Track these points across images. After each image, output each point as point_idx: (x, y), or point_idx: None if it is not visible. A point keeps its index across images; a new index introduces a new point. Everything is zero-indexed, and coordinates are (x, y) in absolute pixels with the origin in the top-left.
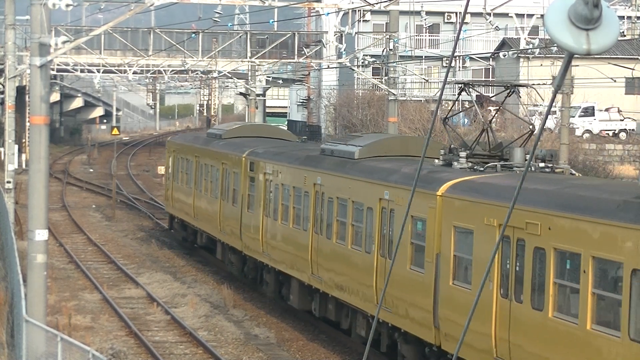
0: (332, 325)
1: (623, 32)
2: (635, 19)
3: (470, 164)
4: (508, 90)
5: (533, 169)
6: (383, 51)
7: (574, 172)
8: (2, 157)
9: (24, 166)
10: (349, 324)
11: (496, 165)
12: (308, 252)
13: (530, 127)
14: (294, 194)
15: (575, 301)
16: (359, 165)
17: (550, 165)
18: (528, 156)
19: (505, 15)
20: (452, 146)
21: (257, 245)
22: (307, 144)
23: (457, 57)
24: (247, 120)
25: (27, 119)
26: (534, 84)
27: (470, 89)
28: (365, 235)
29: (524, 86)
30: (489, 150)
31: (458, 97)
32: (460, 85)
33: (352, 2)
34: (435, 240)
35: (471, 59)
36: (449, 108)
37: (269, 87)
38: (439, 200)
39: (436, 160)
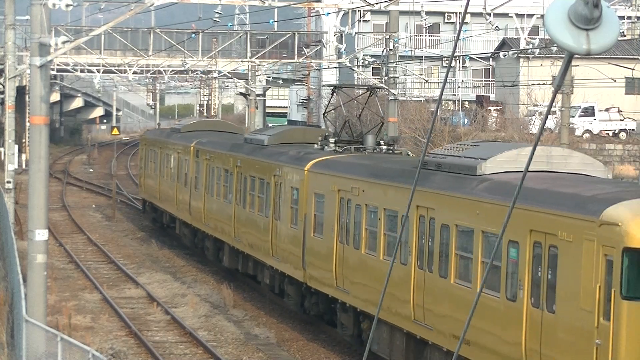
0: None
1: (623, 32)
2: (635, 19)
3: (336, 148)
4: (369, 92)
5: (380, 151)
6: (383, 51)
7: (410, 153)
8: (2, 157)
9: (24, 166)
10: (254, 273)
11: (351, 148)
12: (232, 219)
13: (381, 118)
14: (224, 174)
15: (374, 240)
16: (265, 150)
17: (391, 148)
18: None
19: (505, 15)
20: (326, 134)
21: (200, 217)
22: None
23: (457, 57)
24: (247, 121)
25: (27, 119)
26: (384, 86)
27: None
28: (265, 203)
29: (381, 88)
30: (352, 137)
31: (330, 98)
32: (332, 87)
33: (352, 2)
34: (303, 204)
35: (471, 59)
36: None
37: (269, 87)
38: (306, 174)
39: (315, 145)
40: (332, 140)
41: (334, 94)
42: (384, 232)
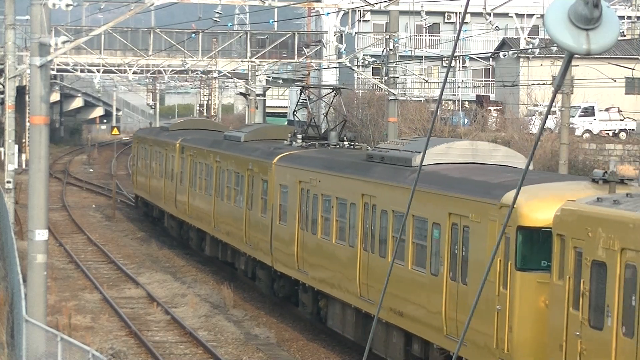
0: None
1: (623, 32)
2: (635, 19)
3: (302, 144)
4: (334, 92)
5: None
6: (383, 51)
7: (369, 147)
8: (2, 157)
9: (24, 166)
10: (232, 260)
11: (315, 144)
12: (212, 210)
13: (344, 116)
14: (205, 169)
15: (328, 225)
16: (241, 146)
17: (352, 144)
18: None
19: (505, 15)
20: (295, 131)
21: (184, 209)
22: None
23: (457, 57)
24: (247, 121)
25: (27, 119)
26: (340, 88)
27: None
28: (240, 195)
29: (344, 88)
30: (318, 134)
31: (299, 99)
32: (300, 88)
33: (352, 2)
34: (271, 195)
35: (471, 59)
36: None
37: (269, 87)
38: (273, 167)
39: (285, 141)
40: (299, 136)
41: (302, 93)
42: (336, 219)
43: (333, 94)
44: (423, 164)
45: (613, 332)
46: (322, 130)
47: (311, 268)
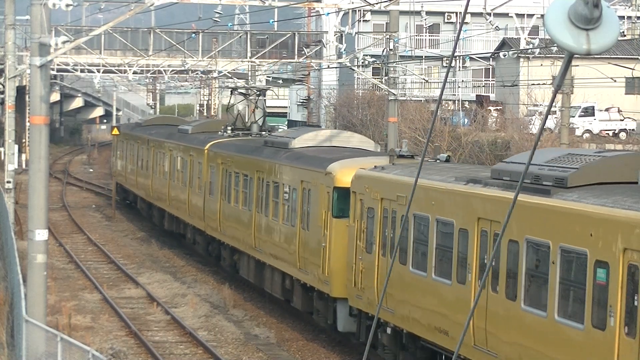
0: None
1: (623, 32)
2: (635, 19)
3: (231, 134)
4: (258, 93)
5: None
6: (383, 51)
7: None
8: (2, 157)
9: (24, 166)
10: (184, 232)
11: (239, 134)
12: (167, 192)
13: (264, 111)
14: (163, 157)
15: (237, 196)
16: (188, 137)
17: (270, 133)
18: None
19: (505, 15)
20: (226, 124)
21: (149, 192)
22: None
23: (457, 57)
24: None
25: (27, 119)
26: (269, 88)
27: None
28: (185, 176)
29: (267, 90)
30: (244, 126)
31: (230, 100)
32: (230, 89)
33: (352, 2)
34: (204, 175)
35: (471, 59)
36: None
37: (269, 87)
38: (206, 152)
39: (219, 132)
40: (229, 128)
41: (232, 94)
42: (242, 190)
43: (258, 93)
44: (297, 146)
45: (377, 254)
46: (260, 123)
47: (228, 230)
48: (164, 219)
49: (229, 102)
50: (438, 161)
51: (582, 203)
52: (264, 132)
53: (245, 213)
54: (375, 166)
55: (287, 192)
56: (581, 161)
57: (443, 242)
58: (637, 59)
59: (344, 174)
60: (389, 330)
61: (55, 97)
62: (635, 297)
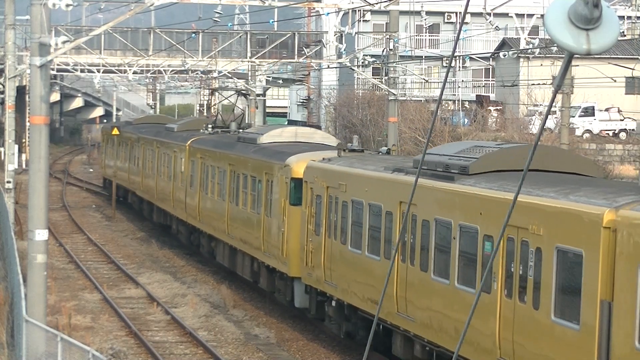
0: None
1: (623, 32)
2: (635, 19)
3: (211, 131)
4: (238, 94)
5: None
6: (383, 51)
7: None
8: (2, 157)
9: (24, 166)
10: (170, 223)
11: (218, 131)
12: (155, 186)
13: (242, 110)
14: (151, 155)
15: (213, 188)
16: (174, 135)
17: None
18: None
19: (505, 15)
20: (207, 123)
21: (138, 185)
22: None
23: (457, 57)
24: (247, 120)
25: (27, 119)
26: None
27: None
28: (170, 171)
29: (246, 91)
30: (223, 124)
31: (210, 99)
32: (210, 90)
33: (352, 2)
34: (186, 169)
35: (471, 59)
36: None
37: (269, 87)
38: (187, 147)
39: (201, 130)
40: (210, 126)
41: (212, 95)
42: (217, 182)
43: (237, 94)
44: (265, 142)
45: (323, 236)
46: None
47: (206, 219)
48: (153, 212)
49: (209, 102)
50: (380, 153)
51: (476, 187)
52: (241, 130)
53: (220, 203)
54: (323, 158)
55: (254, 184)
56: (482, 152)
57: (374, 224)
58: (637, 59)
59: (299, 166)
60: (333, 303)
61: (55, 97)
62: (512, 265)
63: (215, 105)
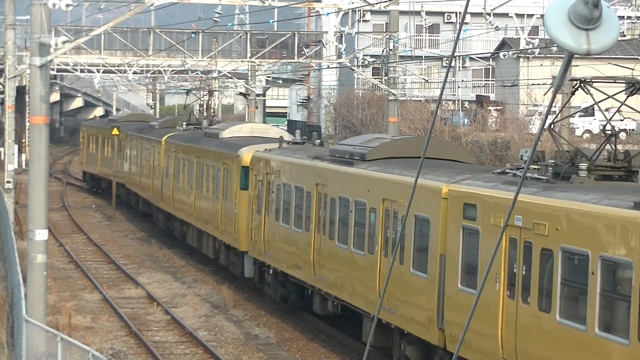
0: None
1: (623, 32)
2: (635, 19)
3: (186, 128)
4: (209, 94)
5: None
6: (383, 51)
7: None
8: (2, 157)
9: (24, 166)
10: (150, 211)
11: (191, 128)
12: (139, 177)
13: (214, 109)
14: (136, 150)
15: (184, 177)
16: (154, 131)
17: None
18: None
19: (505, 15)
20: (182, 121)
21: (128, 179)
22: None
23: (457, 57)
24: (247, 120)
25: (27, 119)
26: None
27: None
28: (149, 163)
29: (212, 92)
30: (196, 122)
31: (186, 99)
32: (185, 91)
33: (352, 2)
34: (162, 162)
35: (471, 59)
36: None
37: (269, 87)
38: (162, 143)
39: (177, 127)
40: (184, 123)
41: (187, 95)
42: (187, 172)
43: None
44: (226, 136)
45: (263, 215)
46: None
47: (178, 205)
48: (139, 203)
49: (185, 102)
50: (314, 145)
51: (366, 170)
52: (212, 126)
53: (189, 191)
54: (265, 149)
55: (214, 172)
56: (379, 142)
57: (298, 202)
58: (637, 59)
59: (248, 155)
60: (271, 272)
61: (55, 97)
62: (388, 230)
63: (190, 104)
